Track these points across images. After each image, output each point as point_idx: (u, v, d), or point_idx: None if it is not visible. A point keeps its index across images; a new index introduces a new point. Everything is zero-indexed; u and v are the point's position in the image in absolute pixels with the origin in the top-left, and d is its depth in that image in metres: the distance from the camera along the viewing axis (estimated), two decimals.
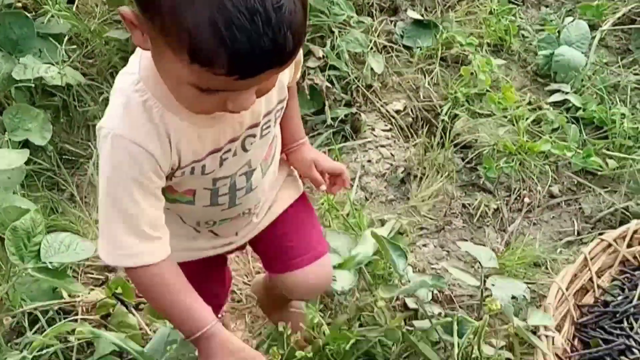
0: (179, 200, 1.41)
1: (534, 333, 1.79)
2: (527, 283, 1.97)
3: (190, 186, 1.37)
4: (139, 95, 1.22)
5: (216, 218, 1.49)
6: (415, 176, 2.50)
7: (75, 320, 1.85)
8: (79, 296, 1.93)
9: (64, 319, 1.84)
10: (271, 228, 1.61)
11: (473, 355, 1.73)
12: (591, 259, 2.03)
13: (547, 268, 2.21)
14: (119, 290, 1.94)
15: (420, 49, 2.84)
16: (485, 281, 1.80)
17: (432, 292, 1.95)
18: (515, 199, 2.49)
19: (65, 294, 1.91)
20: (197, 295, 1.35)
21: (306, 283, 1.61)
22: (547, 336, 1.84)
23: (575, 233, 2.38)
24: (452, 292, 2.12)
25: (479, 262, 1.82)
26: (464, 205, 2.48)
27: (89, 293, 1.97)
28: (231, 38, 1.01)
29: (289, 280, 1.61)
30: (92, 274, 2.09)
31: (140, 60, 1.25)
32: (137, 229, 1.27)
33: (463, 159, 2.59)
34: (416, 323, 1.88)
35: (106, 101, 1.43)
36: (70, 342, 1.73)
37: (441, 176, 2.49)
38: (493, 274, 1.92)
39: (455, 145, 2.59)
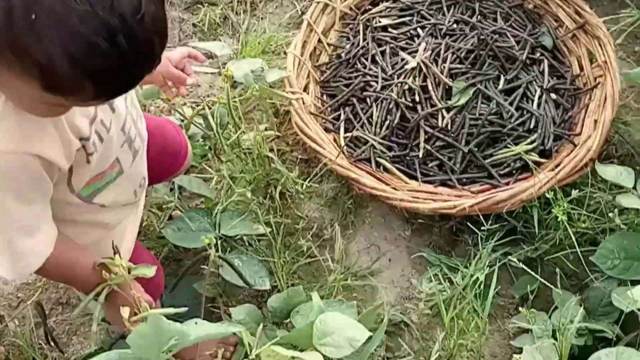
0: (108, 183, 1.32)
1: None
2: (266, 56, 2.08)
3: (111, 154, 1.28)
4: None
5: (141, 171, 1.44)
6: None
7: None
8: None
9: None
10: None
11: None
12: (314, 22, 2.18)
13: (281, 47, 2.35)
14: None
15: None
16: (224, 66, 1.89)
17: None
18: (239, 2, 2.56)
19: None
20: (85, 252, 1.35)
21: None
22: (297, 99, 2.00)
23: (299, 13, 2.51)
24: None
25: (214, 53, 1.91)
26: (194, 25, 2.52)
27: None
28: (93, 67, 0.89)
29: None
30: None
31: None
32: (28, 233, 1.20)
33: None
34: None
35: None
36: None
37: None
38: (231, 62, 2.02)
39: None
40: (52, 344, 1.79)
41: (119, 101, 1.26)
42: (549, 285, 1.91)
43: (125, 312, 1.30)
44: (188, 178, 1.93)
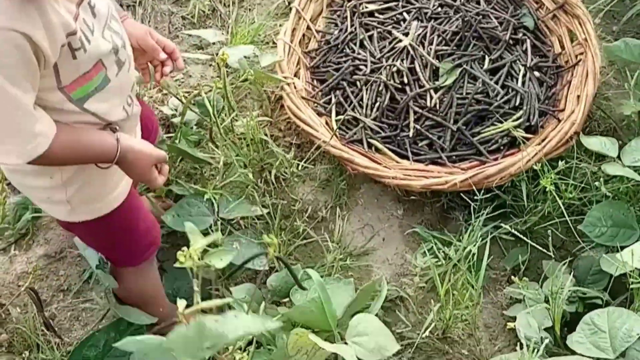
0: (97, 89, 1.37)
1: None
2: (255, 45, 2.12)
3: (94, 56, 1.33)
4: None
5: (128, 86, 1.48)
6: None
7: None
8: None
9: None
10: None
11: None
12: (302, 10, 2.23)
13: (270, 36, 2.39)
14: None
15: None
16: (217, 55, 1.94)
17: None
18: None
19: None
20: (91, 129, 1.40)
21: None
22: (288, 84, 2.05)
23: (287, 3, 2.56)
24: None
25: (204, 43, 1.95)
26: (183, 17, 2.56)
27: None
28: None
29: None
30: None
31: None
32: (31, 116, 1.25)
33: None
34: None
35: None
36: None
37: None
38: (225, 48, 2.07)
39: None
40: (50, 330, 1.82)
41: (100, 7, 1.34)
42: (539, 255, 1.98)
43: (181, 305, 1.30)
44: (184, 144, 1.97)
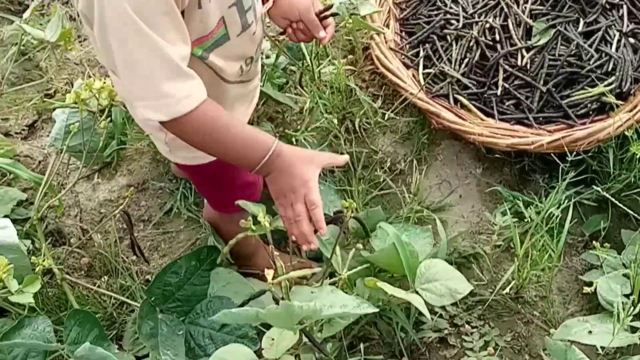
0: (215, 44, 1.30)
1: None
2: None
3: (217, 12, 1.27)
4: None
5: (249, 49, 1.41)
6: None
7: None
8: None
9: None
10: None
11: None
12: None
13: None
14: None
15: None
16: None
17: None
18: None
19: None
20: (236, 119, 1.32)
21: None
22: (378, 34, 2.04)
23: None
24: None
25: None
26: None
27: None
28: None
29: None
30: None
31: None
32: (176, 68, 1.17)
33: None
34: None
35: None
36: None
37: None
38: None
39: None
40: (137, 253, 1.86)
41: None
42: (619, 224, 1.97)
43: (269, 274, 1.28)
44: (269, 87, 1.97)
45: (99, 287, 1.85)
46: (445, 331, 1.86)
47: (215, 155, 1.34)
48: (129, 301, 1.79)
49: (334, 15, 1.59)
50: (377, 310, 1.37)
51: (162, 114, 1.20)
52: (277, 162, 1.27)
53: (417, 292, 1.52)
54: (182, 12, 1.19)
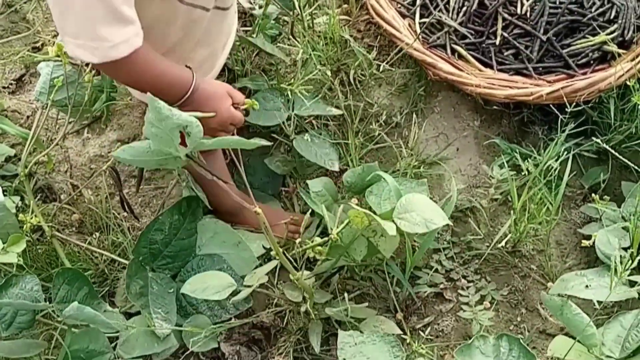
0: None
1: None
2: None
3: None
4: None
5: None
6: None
7: None
8: None
9: None
10: None
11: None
12: None
13: None
14: None
15: None
16: None
17: None
18: None
19: None
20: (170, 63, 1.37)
21: None
22: None
23: None
24: None
25: None
26: None
27: None
28: None
29: None
30: None
31: None
32: (116, 12, 1.15)
33: None
34: None
35: None
36: None
37: None
38: None
39: None
40: (127, 210, 1.83)
41: None
42: (619, 176, 1.93)
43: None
44: (260, 38, 1.92)
45: (89, 244, 1.83)
46: (441, 285, 1.85)
47: (142, 91, 1.37)
48: (119, 259, 1.77)
49: None
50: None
51: (95, 57, 1.19)
52: (197, 95, 1.39)
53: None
54: None
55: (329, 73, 1.91)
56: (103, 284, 1.82)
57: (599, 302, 1.55)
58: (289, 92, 1.89)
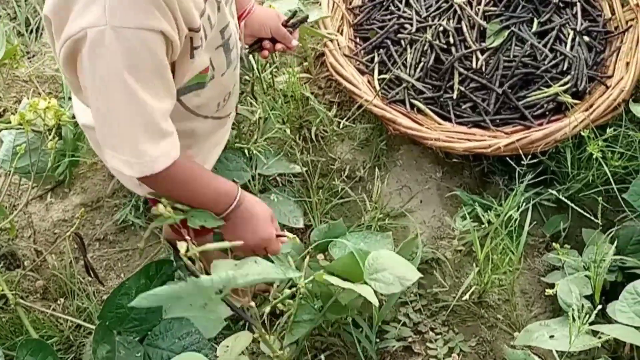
0: (198, 84, 1.30)
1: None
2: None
3: (206, 55, 1.28)
4: None
5: (230, 84, 1.43)
6: None
7: None
8: None
9: None
10: None
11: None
12: None
13: None
14: None
15: None
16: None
17: None
18: None
19: None
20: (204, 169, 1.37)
21: None
22: (332, 40, 2.02)
23: None
24: None
25: None
26: None
27: None
28: None
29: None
30: None
31: None
32: (157, 127, 1.15)
33: None
34: None
35: None
36: None
37: None
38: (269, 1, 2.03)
39: None
40: (91, 275, 1.82)
41: (224, 3, 1.28)
42: (579, 224, 1.96)
43: (182, 247, 1.27)
44: None
45: (54, 310, 1.81)
46: (410, 339, 1.84)
47: (183, 203, 1.33)
48: (85, 324, 1.74)
49: (303, 21, 1.60)
50: (300, 274, 1.41)
51: (136, 172, 1.17)
52: (239, 212, 1.35)
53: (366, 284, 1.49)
54: (173, 64, 1.18)
55: (288, 131, 1.93)
56: (68, 350, 1.80)
57: (562, 353, 1.57)
58: (252, 151, 1.90)
